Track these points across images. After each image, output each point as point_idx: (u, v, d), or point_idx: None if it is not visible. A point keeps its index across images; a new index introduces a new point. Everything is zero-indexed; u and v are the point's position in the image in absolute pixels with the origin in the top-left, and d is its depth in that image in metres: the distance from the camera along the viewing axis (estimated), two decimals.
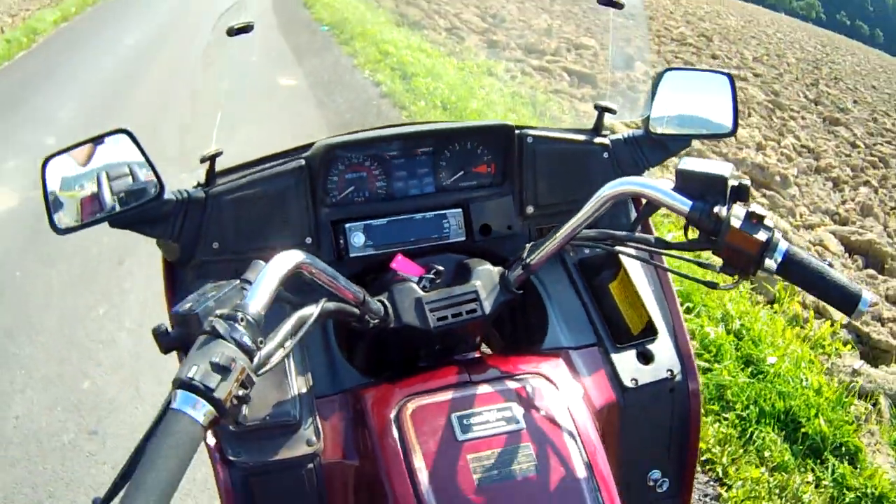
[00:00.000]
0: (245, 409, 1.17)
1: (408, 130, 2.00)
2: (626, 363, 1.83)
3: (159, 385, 3.97)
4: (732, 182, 1.46)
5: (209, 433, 1.47)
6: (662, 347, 1.87)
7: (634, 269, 1.96)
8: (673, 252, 1.60)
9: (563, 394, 1.63)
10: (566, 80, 12.47)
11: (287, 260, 1.36)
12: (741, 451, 3.87)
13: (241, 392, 1.13)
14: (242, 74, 1.91)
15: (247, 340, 1.17)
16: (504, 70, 11.74)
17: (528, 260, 1.74)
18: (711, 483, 3.75)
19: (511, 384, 1.62)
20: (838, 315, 5.61)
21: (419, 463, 1.48)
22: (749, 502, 3.60)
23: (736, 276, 1.48)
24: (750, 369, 4.42)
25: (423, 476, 1.46)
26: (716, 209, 1.44)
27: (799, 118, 16.71)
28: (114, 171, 1.63)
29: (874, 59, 50.26)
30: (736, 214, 1.42)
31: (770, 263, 1.41)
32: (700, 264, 1.56)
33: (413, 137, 1.98)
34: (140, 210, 1.64)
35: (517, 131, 1.96)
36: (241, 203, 1.76)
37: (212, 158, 1.74)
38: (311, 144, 1.87)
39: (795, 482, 3.69)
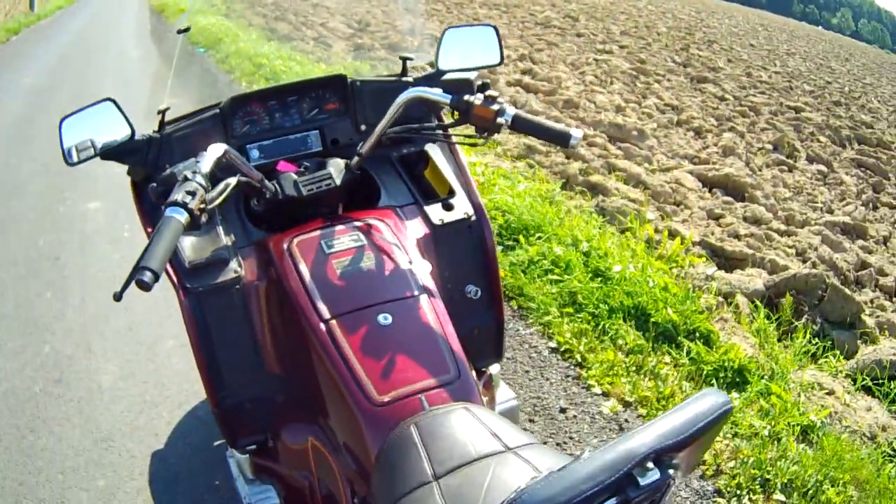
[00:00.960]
0: (203, 219, 1.98)
1: (279, 85, 2.87)
2: (435, 212, 2.62)
3: (104, 341, 4.73)
4: (477, 82, 2.44)
5: (175, 278, 2.35)
6: (460, 201, 2.68)
7: (438, 157, 2.77)
8: (450, 132, 2.58)
9: (391, 227, 2.46)
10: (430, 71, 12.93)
11: (219, 147, 2.19)
12: (596, 341, 4.41)
13: (200, 209, 1.94)
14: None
15: (202, 181, 2.00)
16: (370, 68, 12.26)
17: (359, 150, 2.59)
18: (572, 367, 4.28)
19: (356, 223, 2.45)
20: (687, 234, 6.32)
21: (304, 269, 2.31)
22: (608, 378, 4.10)
23: (486, 135, 2.31)
24: (599, 279, 4.94)
25: (307, 276, 2.29)
26: (465, 97, 2.26)
27: (665, 81, 17.35)
28: (104, 123, 2.45)
29: (754, 20, 51.25)
30: (478, 98, 2.24)
31: (502, 121, 2.22)
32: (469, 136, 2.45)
33: (284, 90, 2.85)
34: (120, 147, 2.46)
35: (349, 79, 2.84)
36: (181, 139, 2.56)
37: (163, 112, 2.56)
38: (222, 101, 2.75)
39: (651, 362, 4.21)
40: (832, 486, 3.49)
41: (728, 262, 6.40)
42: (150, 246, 1.79)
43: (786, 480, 3.50)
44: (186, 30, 3.07)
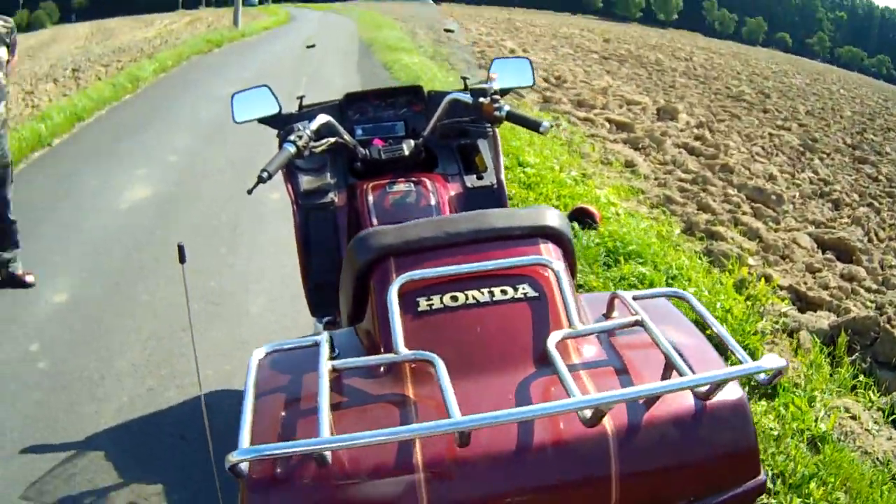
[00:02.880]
0: (306, 153, 2.82)
1: (382, 89, 3.64)
2: (469, 180, 3.31)
3: (258, 284, 5.82)
4: (491, 91, 3.04)
5: (293, 197, 3.23)
6: (489, 176, 3.32)
7: (483, 148, 3.42)
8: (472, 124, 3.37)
9: (436, 183, 3.12)
10: (605, 128, 13.26)
11: (324, 116, 2.97)
12: None
13: (303, 147, 2.78)
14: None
15: (308, 132, 2.82)
16: (551, 119, 12.48)
17: (422, 133, 3.30)
18: None
19: (412, 178, 3.11)
20: (776, 275, 6.63)
21: (370, 198, 3.02)
22: None
23: (494, 124, 3.16)
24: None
25: (370, 202, 3.01)
26: (480, 99, 3.01)
27: (827, 159, 17.10)
28: (260, 100, 3.27)
29: None
30: (488, 99, 3.00)
31: (500, 114, 2.96)
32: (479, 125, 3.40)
33: (385, 93, 3.60)
34: (270, 117, 3.26)
35: (425, 90, 3.59)
36: (310, 115, 3.15)
37: (301, 99, 3.40)
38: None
39: None
40: (822, 485, 3.60)
41: (808, 306, 6.54)
42: (270, 161, 2.66)
43: (777, 472, 3.66)
44: (312, 46, 4.03)
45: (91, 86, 16.15)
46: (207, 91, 14.15)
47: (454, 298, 1.90)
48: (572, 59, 29.11)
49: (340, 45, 23.53)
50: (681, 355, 1.68)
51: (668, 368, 1.68)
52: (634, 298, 1.93)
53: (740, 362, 1.65)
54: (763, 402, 4.28)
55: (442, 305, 1.90)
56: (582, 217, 6.55)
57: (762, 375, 1.66)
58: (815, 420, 4.15)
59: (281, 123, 3.27)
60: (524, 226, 2.07)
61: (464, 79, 3.43)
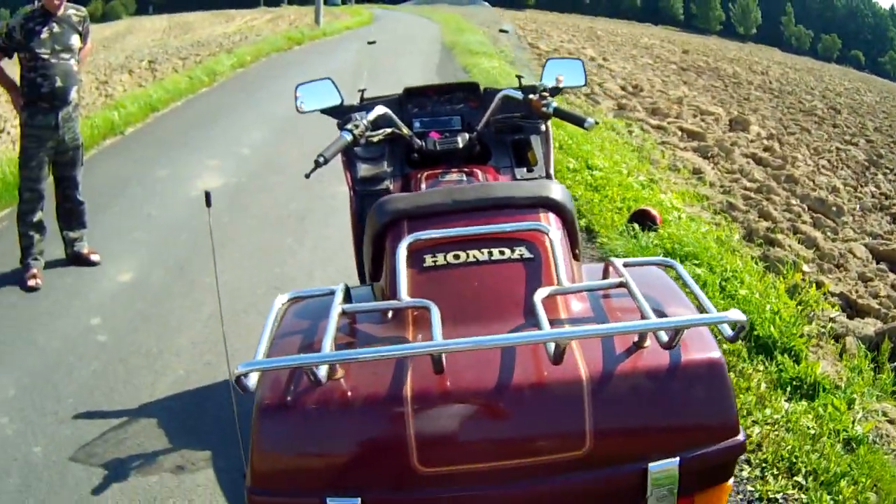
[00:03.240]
0: (362, 142, 2.95)
1: (440, 84, 3.74)
2: (520, 173, 3.37)
3: (324, 272, 5.97)
4: (541, 88, 3.19)
5: (350, 183, 3.42)
6: (539, 169, 3.40)
7: (535, 144, 3.49)
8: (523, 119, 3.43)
9: (486, 174, 3.12)
10: (677, 136, 13.23)
11: (381, 108, 3.10)
12: None
13: (359, 135, 2.89)
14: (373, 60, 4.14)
15: (364, 122, 2.93)
16: (624, 125, 12.58)
17: (476, 128, 3.38)
18: None
19: (465, 169, 3.10)
20: (832, 286, 6.65)
21: (424, 187, 2.96)
22: None
23: (542, 119, 3.28)
24: (725, 298, 5.36)
25: (424, 189, 2.93)
26: (530, 95, 3.16)
27: (891, 174, 16.77)
28: (323, 92, 3.42)
29: None
30: (537, 96, 3.13)
31: (547, 111, 3.07)
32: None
33: (443, 88, 3.69)
34: (333, 108, 3.40)
35: (482, 86, 3.67)
36: (370, 108, 3.20)
37: (362, 92, 3.53)
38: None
39: (741, 364, 4.57)
40: (853, 484, 3.57)
41: (857, 313, 6.52)
42: (327, 147, 2.76)
43: (810, 469, 3.66)
44: (373, 42, 4.23)
45: (167, 78, 16.30)
46: (284, 87, 14.62)
47: (456, 256, 2.07)
48: (651, 69, 28.92)
49: (422, 48, 23.28)
50: (661, 315, 1.78)
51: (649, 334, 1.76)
52: (625, 265, 2.04)
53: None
54: (803, 402, 4.28)
55: (445, 262, 2.07)
56: (643, 219, 6.64)
57: (728, 331, 1.75)
58: (853, 422, 4.13)
59: (342, 114, 3.34)
60: (526, 196, 2.26)
61: (518, 77, 3.50)
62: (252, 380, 1.64)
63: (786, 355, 4.73)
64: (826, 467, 3.65)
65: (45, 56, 5.72)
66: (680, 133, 13.60)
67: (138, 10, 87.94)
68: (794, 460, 3.73)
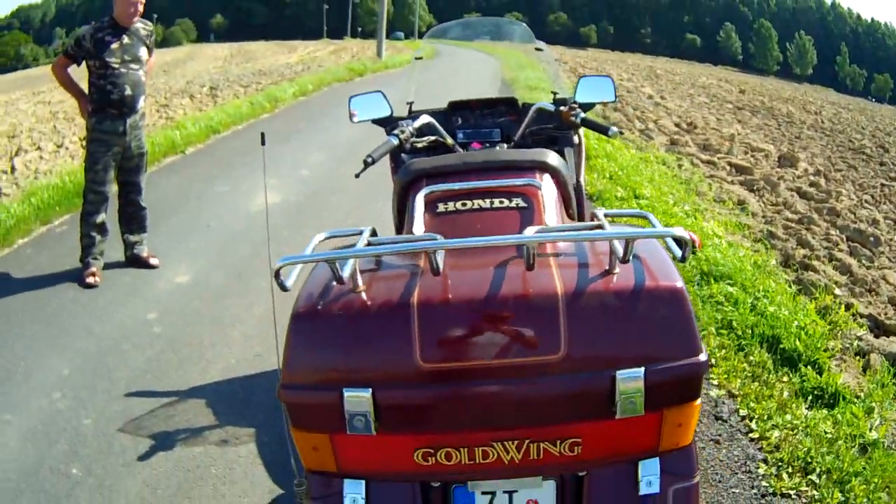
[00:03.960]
0: (408, 146, 3.09)
1: (482, 99, 3.81)
2: None
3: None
4: (572, 102, 3.37)
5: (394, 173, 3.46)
6: (571, 166, 3.47)
7: (568, 154, 3.54)
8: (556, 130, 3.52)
9: None
10: (725, 171, 13.21)
11: (426, 117, 3.25)
12: (733, 354, 4.94)
13: (404, 140, 3.02)
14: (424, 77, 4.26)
15: (410, 129, 3.09)
16: (674, 160, 12.63)
17: (513, 138, 3.46)
18: (711, 371, 4.79)
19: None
20: (861, 307, 6.70)
21: None
22: (725, 376, 4.67)
23: (572, 128, 3.44)
24: (755, 315, 5.45)
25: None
26: (561, 107, 3.30)
27: None
28: (374, 104, 3.59)
29: None
30: (567, 107, 3.29)
31: (576, 120, 3.22)
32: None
33: (485, 102, 3.77)
34: (382, 119, 3.54)
35: (520, 101, 3.74)
36: (416, 118, 3.33)
37: (410, 104, 3.64)
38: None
39: (766, 375, 4.69)
40: (866, 484, 3.61)
41: (884, 333, 6.49)
42: (375, 149, 2.90)
43: (824, 468, 3.72)
44: (420, 58, 4.35)
45: (228, 102, 16.41)
46: (343, 115, 15.02)
47: (464, 204, 2.48)
48: (707, 108, 28.80)
49: (483, 81, 23.31)
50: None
51: (615, 256, 1.94)
52: (605, 216, 2.28)
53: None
54: (823, 410, 4.36)
55: (454, 209, 2.49)
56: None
57: (678, 251, 1.96)
58: (870, 428, 4.19)
59: (391, 124, 3.46)
60: (526, 159, 2.67)
61: (553, 93, 3.72)
62: (290, 279, 1.94)
63: (809, 367, 4.82)
64: (840, 467, 3.73)
65: (116, 65, 5.93)
66: (729, 168, 13.57)
67: (199, 37, 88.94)
68: (810, 460, 3.82)
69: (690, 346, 1.88)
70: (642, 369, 1.83)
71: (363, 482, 2.03)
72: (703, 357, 1.88)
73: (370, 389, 1.84)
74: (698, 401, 1.97)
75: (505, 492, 2.10)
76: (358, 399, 1.84)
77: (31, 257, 6.87)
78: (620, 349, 1.89)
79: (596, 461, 1.99)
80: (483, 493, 2.10)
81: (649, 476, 2.03)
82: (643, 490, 2.04)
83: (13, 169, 10.11)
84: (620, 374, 1.83)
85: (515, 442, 1.92)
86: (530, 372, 1.87)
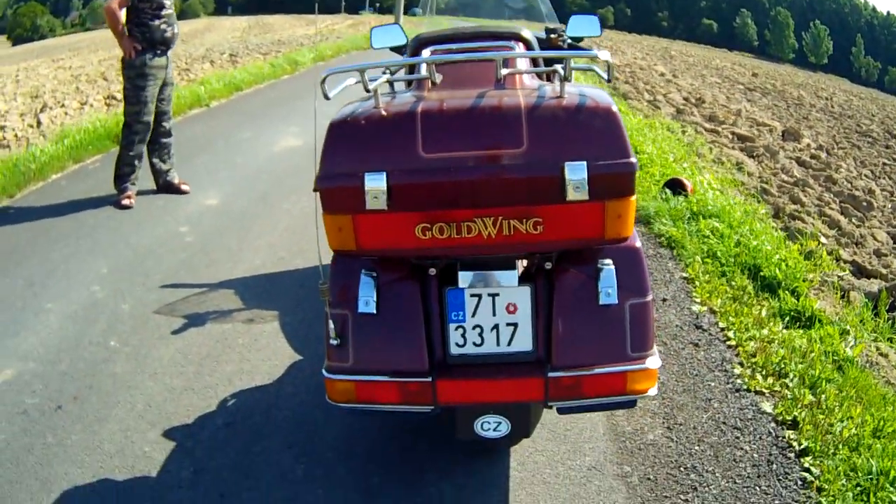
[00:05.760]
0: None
1: (484, 29, 3.70)
2: None
3: None
4: (560, 30, 3.88)
5: None
6: None
7: None
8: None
9: None
10: (727, 139, 13.34)
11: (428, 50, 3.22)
12: (716, 279, 5.17)
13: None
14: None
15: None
16: (679, 127, 12.75)
17: None
18: (688, 284, 5.14)
19: None
20: (843, 253, 6.88)
21: None
22: (707, 295, 4.89)
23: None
24: (738, 248, 5.67)
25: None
26: (550, 35, 3.75)
27: None
28: (392, 32, 4.21)
29: None
30: (555, 35, 3.77)
31: (563, 45, 3.76)
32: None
33: (488, 33, 3.62)
34: (399, 47, 4.19)
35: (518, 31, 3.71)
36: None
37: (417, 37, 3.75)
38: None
39: (745, 297, 4.89)
40: (839, 392, 3.77)
41: (865, 276, 6.72)
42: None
43: (798, 374, 3.90)
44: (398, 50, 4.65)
45: (250, 64, 16.89)
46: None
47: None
48: (717, 87, 28.74)
49: None
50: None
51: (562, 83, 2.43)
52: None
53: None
54: (800, 330, 4.56)
55: (452, 61, 2.92)
56: (675, 186, 7.01)
57: (603, 74, 2.50)
58: (845, 347, 4.37)
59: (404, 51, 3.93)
60: (505, 31, 3.42)
61: (546, 29, 4.05)
62: (331, 91, 2.45)
63: (788, 293, 5.02)
64: (812, 375, 3.94)
65: (168, 6, 6.47)
66: (731, 136, 13.69)
67: (216, 9, 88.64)
68: (783, 366, 4.05)
69: (621, 150, 2.30)
70: (585, 163, 2.26)
71: (373, 278, 2.56)
72: (632, 159, 2.30)
73: (384, 173, 2.29)
74: (633, 197, 2.37)
75: (489, 295, 2.54)
76: (375, 181, 2.29)
77: (66, 188, 7.22)
78: (567, 147, 2.30)
79: (558, 242, 2.40)
80: (472, 295, 2.54)
81: (607, 287, 2.50)
82: (603, 300, 2.50)
83: (39, 123, 10.37)
84: (568, 164, 2.26)
85: (492, 218, 2.33)
86: (502, 161, 2.30)
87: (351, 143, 2.40)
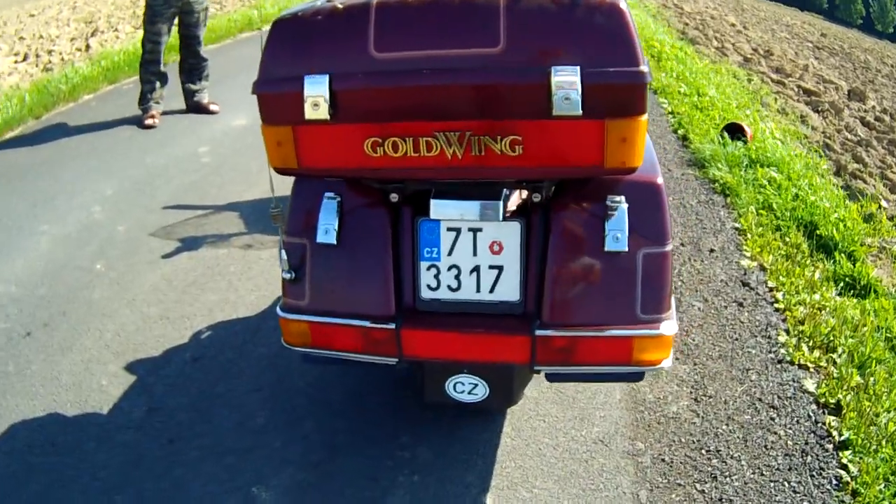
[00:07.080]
0: None
1: None
2: None
3: None
4: None
5: None
6: None
7: None
8: None
9: None
10: (793, 91, 12.71)
11: None
12: (769, 232, 4.64)
13: None
14: None
15: None
16: (745, 75, 12.10)
17: None
18: (739, 236, 4.62)
19: None
20: None
21: None
22: (758, 250, 4.38)
23: None
24: (796, 202, 5.11)
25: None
26: None
27: None
28: None
29: None
30: None
31: None
32: None
33: None
34: None
35: None
36: None
37: None
38: None
39: (799, 256, 4.39)
40: (889, 376, 3.33)
41: None
42: None
43: (847, 349, 3.46)
44: None
45: None
46: None
47: None
48: (787, 42, 27.80)
49: None
50: None
51: None
52: None
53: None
54: (853, 299, 4.08)
55: None
56: (734, 131, 6.42)
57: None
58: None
59: None
60: None
61: None
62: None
63: (843, 256, 4.52)
64: (863, 352, 3.44)
65: None
66: (797, 89, 13.01)
67: None
68: (832, 339, 3.54)
69: (628, 56, 1.76)
70: (578, 68, 1.73)
71: (337, 203, 2.17)
72: (643, 67, 1.75)
73: (327, 76, 1.83)
74: (644, 117, 1.82)
75: (470, 229, 2.07)
76: (316, 85, 1.83)
77: (94, 108, 6.97)
78: (556, 47, 1.77)
79: (542, 168, 1.89)
80: (448, 229, 2.08)
81: (616, 230, 1.97)
82: (609, 245, 1.98)
83: (88, 47, 9.98)
84: (556, 69, 1.73)
85: (457, 134, 1.84)
86: (471, 63, 1.79)
87: (295, 42, 1.93)
